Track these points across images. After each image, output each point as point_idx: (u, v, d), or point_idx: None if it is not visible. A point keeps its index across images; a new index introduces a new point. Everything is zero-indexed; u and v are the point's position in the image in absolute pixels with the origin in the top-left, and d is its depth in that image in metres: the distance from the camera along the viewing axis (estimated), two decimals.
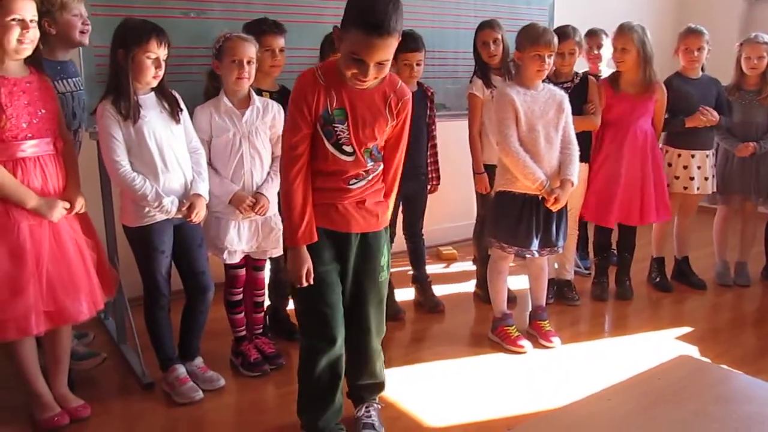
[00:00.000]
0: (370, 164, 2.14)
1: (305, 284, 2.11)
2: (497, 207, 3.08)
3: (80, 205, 2.40)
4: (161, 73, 2.46)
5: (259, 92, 2.85)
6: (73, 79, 2.74)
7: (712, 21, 3.89)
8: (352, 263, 2.21)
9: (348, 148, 2.09)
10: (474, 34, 3.44)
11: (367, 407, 2.41)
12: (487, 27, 3.40)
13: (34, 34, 2.26)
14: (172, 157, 2.52)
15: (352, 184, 2.13)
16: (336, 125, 2.06)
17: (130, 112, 2.41)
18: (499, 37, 3.39)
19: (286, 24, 2.95)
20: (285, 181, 2.10)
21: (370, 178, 2.16)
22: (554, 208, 2.96)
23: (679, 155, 3.74)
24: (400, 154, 2.23)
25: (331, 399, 2.25)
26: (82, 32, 2.63)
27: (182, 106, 2.60)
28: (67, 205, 2.34)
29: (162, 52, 2.42)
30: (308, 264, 2.10)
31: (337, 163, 2.10)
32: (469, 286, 3.90)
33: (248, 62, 2.64)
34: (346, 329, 2.23)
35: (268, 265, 3.03)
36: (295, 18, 3.09)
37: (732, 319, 3.60)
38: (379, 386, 2.45)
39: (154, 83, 2.48)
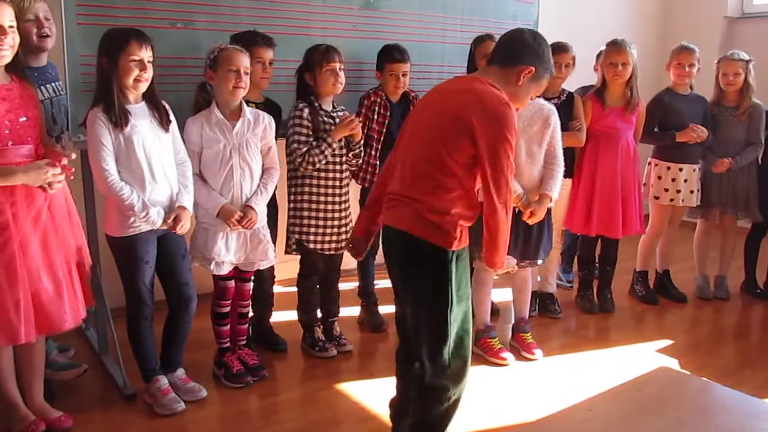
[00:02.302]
0: None
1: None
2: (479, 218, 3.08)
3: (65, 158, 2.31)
4: (147, 76, 2.44)
5: (246, 103, 2.86)
6: (52, 84, 2.72)
7: (694, 39, 3.94)
8: None
9: None
10: (472, 47, 3.45)
11: None
12: (487, 39, 3.39)
13: (12, 39, 2.24)
14: (159, 168, 2.52)
15: None
16: None
17: (120, 120, 2.41)
18: None
19: (272, 36, 2.97)
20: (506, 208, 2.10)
21: None
22: (530, 222, 2.97)
23: (668, 168, 3.80)
24: None
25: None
26: (41, 36, 2.61)
27: (171, 117, 2.60)
28: (57, 170, 2.26)
29: (145, 54, 2.42)
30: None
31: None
32: None
33: (245, 72, 2.66)
34: None
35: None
36: (281, 30, 3.10)
37: (712, 332, 3.64)
38: None
39: (143, 87, 2.47)
